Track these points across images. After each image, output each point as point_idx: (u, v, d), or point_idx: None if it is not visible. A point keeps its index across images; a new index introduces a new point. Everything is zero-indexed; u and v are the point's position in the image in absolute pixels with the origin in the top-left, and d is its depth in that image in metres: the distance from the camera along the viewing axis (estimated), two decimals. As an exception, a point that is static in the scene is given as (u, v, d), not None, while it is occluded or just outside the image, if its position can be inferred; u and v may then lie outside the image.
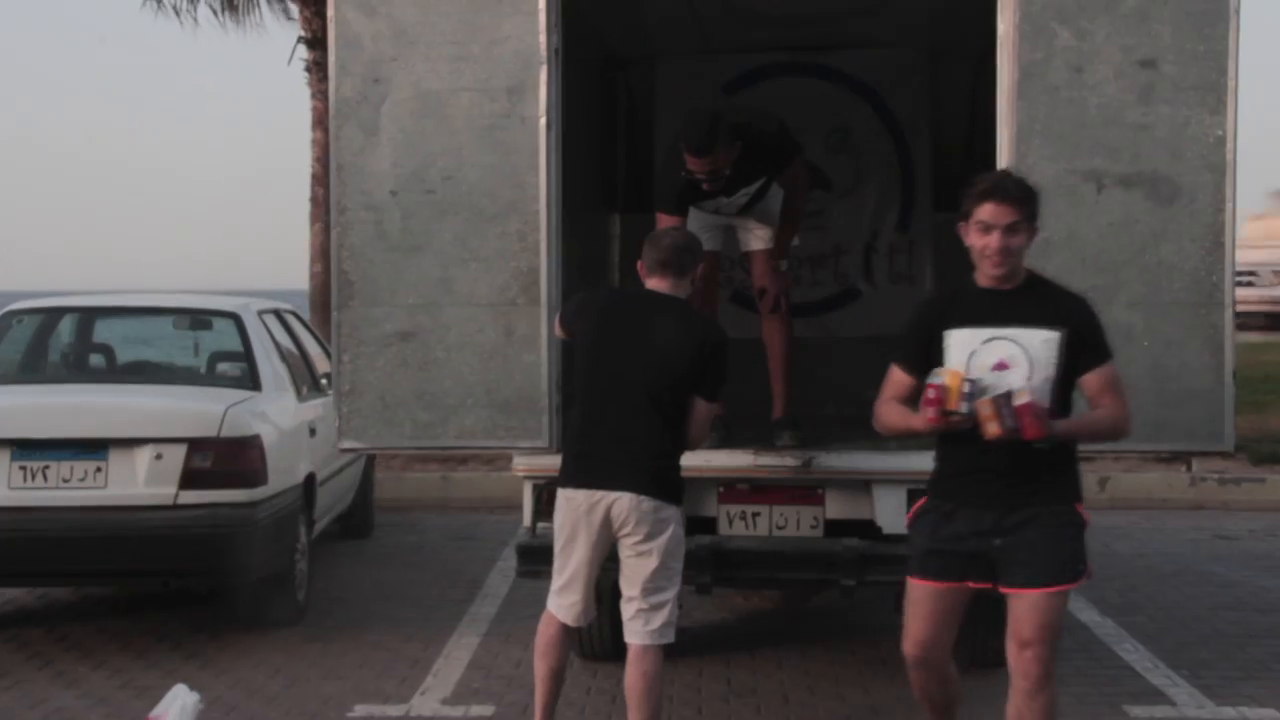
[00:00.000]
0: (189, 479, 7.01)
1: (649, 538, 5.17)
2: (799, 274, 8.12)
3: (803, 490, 5.95)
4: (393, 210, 5.79)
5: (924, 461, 5.77)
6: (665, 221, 6.18)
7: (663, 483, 5.23)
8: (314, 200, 15.38)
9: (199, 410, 7.26)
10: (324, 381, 8.51)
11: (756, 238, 6.61)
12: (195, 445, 7.03)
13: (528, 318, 5.76)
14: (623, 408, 5.21)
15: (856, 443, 6.25)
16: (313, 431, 8.11)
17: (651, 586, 5.21)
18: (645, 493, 5.15)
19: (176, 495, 7.02)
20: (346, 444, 5.92)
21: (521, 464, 6.02)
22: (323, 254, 15.04)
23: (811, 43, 7.89)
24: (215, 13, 16.60)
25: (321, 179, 15.15)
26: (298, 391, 8.24)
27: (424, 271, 5.76)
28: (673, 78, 8.26)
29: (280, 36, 16.99)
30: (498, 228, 5.80)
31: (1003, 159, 5.61)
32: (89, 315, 8.71)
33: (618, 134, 8.42)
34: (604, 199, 8.22)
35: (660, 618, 5.22)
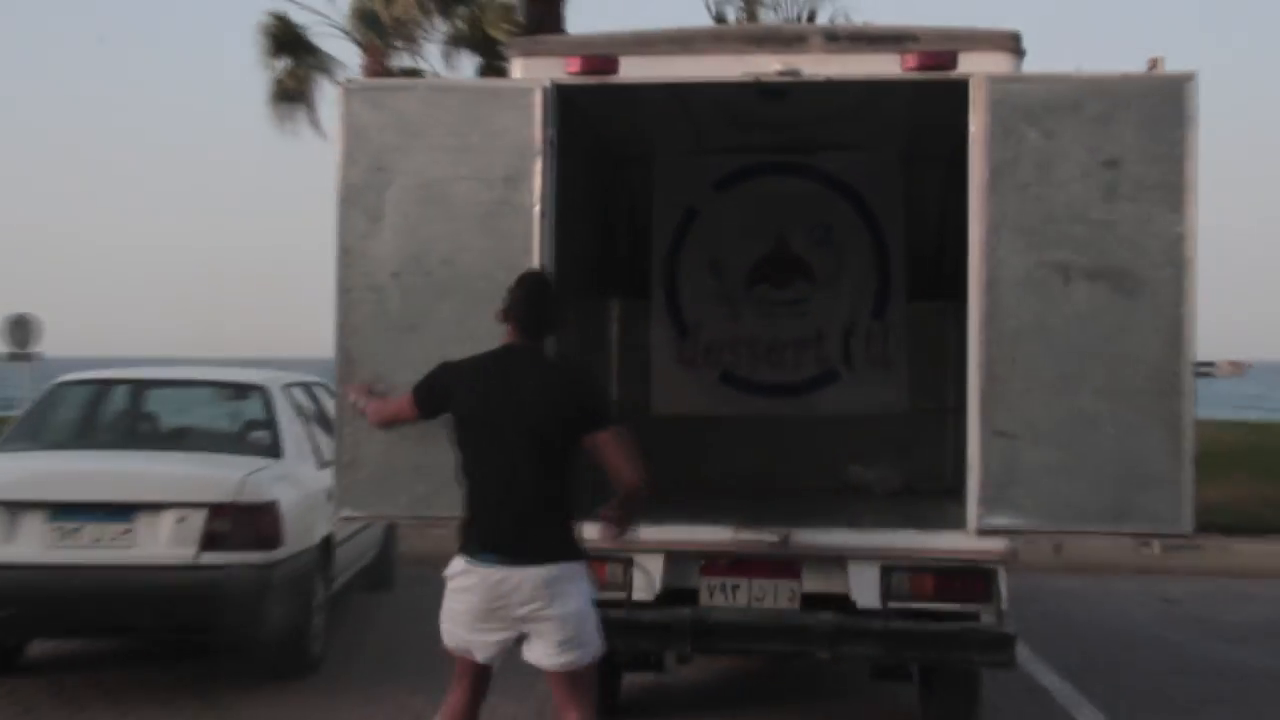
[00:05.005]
0: (209, 541, 6.51)
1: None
2: (784, 357, 7.72)
3: (781, 565, 5.42)
4: (393, 291, 5.27)
5: (900, 539, 5.45)
6: None
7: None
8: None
9: (219, 477, 6.76)
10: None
11: None
12: (215, 510, 6.54)
13: (521, 395, 5.18)
14: None
15: (833, 518, 5.77)
16: (330, 496, 7.51)
17: None
18: None
19: (197, 556, 6.51)
20: (345, 512, 5.36)
21: None
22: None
23: (797, 145, 7.44)
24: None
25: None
26: (318, 459, 7.67)
27: (423, 349, 5.17)
28: (668, 174, 7.81)
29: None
30: (493, 308, 5.19)
31: (975, 252, 5.15)
32: (129, 387, 8.18)
33: (618, 226, 7.94)
34: (605, 285, 7.72)
35: None
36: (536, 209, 5.24)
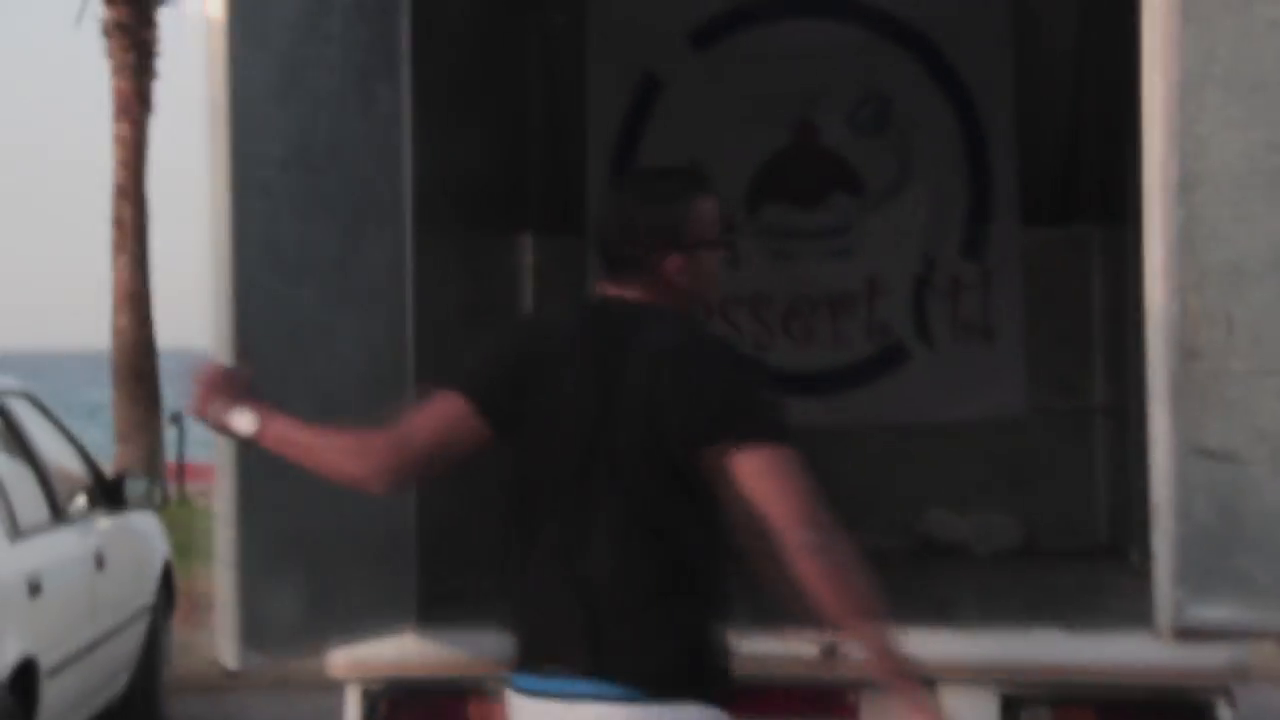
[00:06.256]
0: None
1: None
2: (814, 325, 7.76)
3: (824, 698, 5.12)
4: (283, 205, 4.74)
5: (1033, 646, 5.17)
6: None
7: None
8: (118, 222, 15.18)
9: None
10: (82, 501, 8.18)
11: None
12: None
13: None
14: None
15: (911, 607, 5.19)
16: (35, 589, 7.17)
17: None
18: None
19: None
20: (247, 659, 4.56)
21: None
22: (130, 299, 14.80)
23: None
24: None
25: (130, 191, 14.86)
26: (11, 527, 7.28)
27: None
28: (613, 21, 7.76)
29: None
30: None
31: (1154, 133, 4.75)
32: None
33: (531, 112, 7.85)
34: (509, 211, 7.55)
35: None
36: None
